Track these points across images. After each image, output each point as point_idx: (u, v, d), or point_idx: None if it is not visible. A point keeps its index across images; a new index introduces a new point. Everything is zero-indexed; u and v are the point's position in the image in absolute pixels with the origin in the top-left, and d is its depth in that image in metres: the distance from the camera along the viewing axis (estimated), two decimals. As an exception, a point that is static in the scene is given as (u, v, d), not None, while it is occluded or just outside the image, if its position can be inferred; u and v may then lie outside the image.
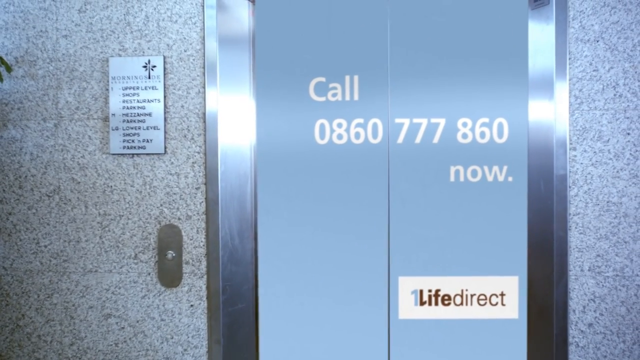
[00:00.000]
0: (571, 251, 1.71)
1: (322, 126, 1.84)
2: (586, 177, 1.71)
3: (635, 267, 1.69)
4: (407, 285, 1.84)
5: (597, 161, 1.70)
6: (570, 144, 1.71)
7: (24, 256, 1.89)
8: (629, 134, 1.69)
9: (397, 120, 1.82)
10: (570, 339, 1.72)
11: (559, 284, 1.70)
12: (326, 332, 1.85)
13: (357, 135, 1.84)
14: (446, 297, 1.83)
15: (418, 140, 1.81)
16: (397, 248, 1.83)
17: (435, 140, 1.80)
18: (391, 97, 1.82)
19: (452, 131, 1.79)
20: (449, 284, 1.82)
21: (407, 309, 1.84)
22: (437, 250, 1.82)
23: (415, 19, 1.81)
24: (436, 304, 1.83)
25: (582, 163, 1.71)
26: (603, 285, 1.71)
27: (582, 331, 1.72)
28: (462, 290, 1.82)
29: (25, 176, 1.89)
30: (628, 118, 1.69)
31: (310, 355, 1.85)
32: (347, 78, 1.83)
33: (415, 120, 1.81)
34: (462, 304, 1.82)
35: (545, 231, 1.71)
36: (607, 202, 1.70)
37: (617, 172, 1.70)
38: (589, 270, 1.71)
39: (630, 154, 1.69)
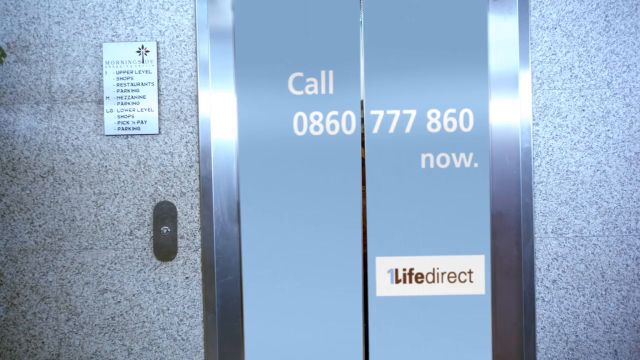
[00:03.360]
0: (536, 216, 1.90)
1: (300, 118, 1.97)
2: (548, 149, 1.90)
3: (591, 229, 1.90)
4: (383, 265, 1.98)
5: (557, 135, 1.90)
6: (533, 119, 1.90)
7: (18, 236, 1.94)
8: (584, 110, 1.90)
9: (372, 112, 1.96)
10: (537, 295, 1.90)
11: (526, 246, 1.88)
12: (307, 313, 1.97)
13: (333, 127, 1.97)
14: (419, 275, 1.97)
15: (392, 130, 1.96)
16: (374, 231, 1.97)
17: (407, 130, 1.95)
18: (365, 90, 1.96)
19: (422, 121, 1.94)
20: (421, 263, 1.97)
21: (384, 287, 1.98)
22: (411, 232, 1.96)
23: (387, 15, 1.97)
24: (410, 281, 1.97)
25: (543, 137, 1.90)
26: (564, 246, 1.90)
27: (547, 287, 1.91)
28: (433, 269, 1.96)
29: (19, 158, 1.94)
30: (583, 96, 1.90)
31: (294, 340, 1.97)
32: (323, 73, 1.97)
33: (389, 112, 1.95)
34: (434, 281, 1.96)
35: (512, 198, 1.90)
36: (567, 171, 1.90)
37: (575, 144, 1.90)
38: (552, 232, 1.90)
39: (586, 128, 1.90)
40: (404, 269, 1.96)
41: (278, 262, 1.96)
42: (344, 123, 1.96)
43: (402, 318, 1.96)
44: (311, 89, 1.96)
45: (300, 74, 1.96)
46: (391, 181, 1.95)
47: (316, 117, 1.95)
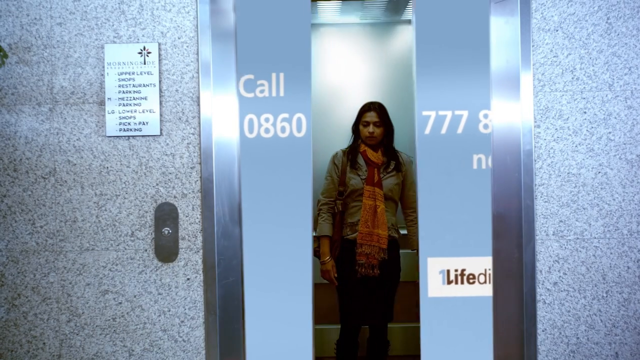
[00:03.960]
0: (537, 218, 1.90)
1: (250, 121, 1.97)
2: (549, 151, 1.90)
3: (592, 231, 1.90)
4: (435, 266, 1.98)
5: (558, 137, 1.90)
6: (535, 121, 1.90)
7: (20, 237, 1.94)
8: (585, 112, 1.90)
9: (424, 113, 1.96)
10: (538, 297, 1.90)
11: (527, 248, 1.88)
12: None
13: (283, 129, 1.98)
14: (471, 276, 1.97)
15: (444, 131, 1.96)
16: (425, 231, 1.97)
17: (459, 130, 1.95)
18: (417, 91, 1.96)
19: (474, 122, 1.95)
20: (473, 264, 1.97)
21: (436, 287, 1.98)
22: (462, 232, 1.96)
23: (437, 14, 1.97)
24: (462, 282, 1.97)
25: (545, 139, 1.90)
26: (565, 248, 1.90)
27: (548, 289, 1.91)
28: (485, 270, 1.96)
29: (20, 159, 1.94)
30: (584, 98, 1.90)
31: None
32: (274, 75, 1.97)
33: (441, 113, 1.96)
34: (485, 282, 1.96)
35: (514, 200, 1.90)
36: (568, 173, 1.90)
37: (576, 146, 1.90)
38: (553, 234, 1.90)
39: (587, 130, 1.90)
40: (456, 270, 1.97)
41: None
42: (294, 125, 1.96)
43: (454, 318, 1.96)
44: (262, 91, 1.97)
45: (251, 77, 1.97)
46: (442, 182, 1.95)
47: (267, 120, 1.96)
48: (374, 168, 2.87)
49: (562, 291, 1.90)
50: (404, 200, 3.00)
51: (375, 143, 2.91)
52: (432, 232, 1.96)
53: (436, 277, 1.97)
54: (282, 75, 1.96)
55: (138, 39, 1.94)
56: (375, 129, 2.87)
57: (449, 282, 1.97)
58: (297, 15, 1.98)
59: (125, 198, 1.93)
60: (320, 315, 3.76)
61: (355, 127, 3.00)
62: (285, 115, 1.96)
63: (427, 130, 1.95)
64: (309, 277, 1.97)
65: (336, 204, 2.93)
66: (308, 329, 1.98)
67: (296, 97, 1.97)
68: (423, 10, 1.96)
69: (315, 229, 2.98)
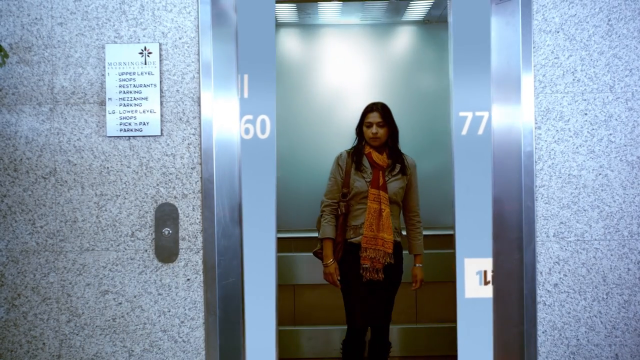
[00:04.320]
0: (538, 219, 1.90)
1: None
2: (550, 152, 1.90)
3: (593, 232, 1.89)
4: (472, 267, 1.98)
5: (559, 138, 1.90)
6: (536, 123, 1.90)
7: (20, 237, 1.94)
8: (586, 114, 1.90)
9: (461, 114, 1.97)
10: (538, 298, 1.90)
11: (528, 249, 1.88)
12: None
13: (247, 131, 1.97)
14: None
15: (480, 131, 1.96)
16: (462, 232, 1.97)
17: None
18: (454, 92, 1.97)
19: None
20: None
21: (472, 288, 1.98)
22: None
23: (472, 15, 1.99)
24: None
25: (546, 140, 1.90)
26: (566, 249, 1.90)
27: (548, 291, 1.91)
28: None
29: (21, 159, 1.94)
30: (585, 100, 1.90)
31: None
32: (238, 77, 1.97)
33: (478, 114, 1.96)
34: None
35: (514, 201, 1.90)
36: (569, 175, 1.90)
37: (577, 148, 1.90)
38: (553, 236, 1.90)
39: (588, 131, 1.90)
40: (493, 271, 1.96)
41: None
42: (258, 127, 1.96)
43: (491, 320, 1.95)
44: None
45: None
46: (479, 182, 1.95)
47: None
48: (379, 171, 2.84)
49: (562, 293, 1.90)
50: (407, 204, 2.97)
51: (379, 144, 2.88)
52: (469, 233, 1.96)
53: (473, 277, 1.97)
54: (246, 76, 1.96)
55: (139, 39, 1.94)
56: (379, 129, 2.85)
57: (486, 283, 1.96)
58: (262, 16, 1.98)
59: (125, 198, 1.93)
60: (323, 316, 3.77)
61: (359, 129, 2.96)
62: (249, 117, 1.96)
63: (464, 131, 1.96)
64: (272, 278, 1.98)
65: (339, 205, 2.89)
66: (272, 330, 2.00)
67: (260, 99, 1.97)
68: (459, 10, 1.96)
69: (318, 230, 2.97)
